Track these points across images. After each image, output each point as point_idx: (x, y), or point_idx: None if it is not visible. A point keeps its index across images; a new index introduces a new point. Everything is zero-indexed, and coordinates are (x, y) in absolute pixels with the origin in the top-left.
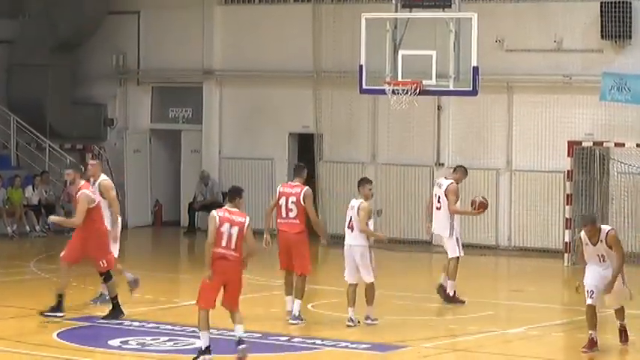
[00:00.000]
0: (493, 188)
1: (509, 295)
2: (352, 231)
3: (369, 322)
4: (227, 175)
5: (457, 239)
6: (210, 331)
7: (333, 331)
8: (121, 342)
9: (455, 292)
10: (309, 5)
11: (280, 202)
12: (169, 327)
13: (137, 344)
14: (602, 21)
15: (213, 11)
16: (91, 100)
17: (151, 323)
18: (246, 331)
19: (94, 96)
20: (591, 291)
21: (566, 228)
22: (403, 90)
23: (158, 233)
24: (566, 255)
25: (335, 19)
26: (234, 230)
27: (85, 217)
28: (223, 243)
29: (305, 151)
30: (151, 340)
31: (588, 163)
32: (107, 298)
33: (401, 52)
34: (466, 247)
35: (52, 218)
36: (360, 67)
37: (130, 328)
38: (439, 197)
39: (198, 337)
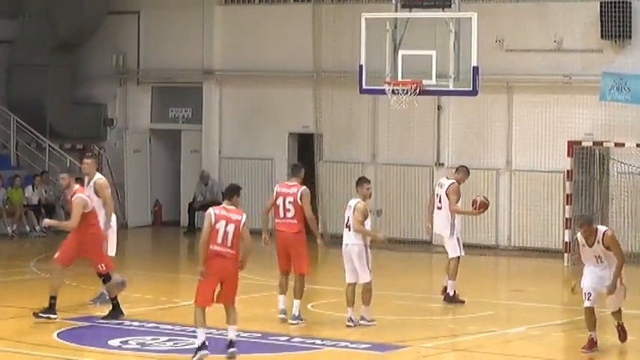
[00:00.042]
0: (493, 188)
1: (509, 295)
2: (350, 230)
3: (363, 322)
4: (227, 175)
5: (458, 239)
6: (211, 330)
7: (333, 331)
8: (120, 342)
9: (455, 291)
10: (309, 5)
11: (278, 202)
12: (169, 327)
13: (137, 344)
14: (602, 21)
15: (213, 11)
16: (91, 100)
17: (150, 323)
18: (246, 331)
19: (94, 96)
20: (589, 293)
21: (566, 228)
22: (403, 90)
23: (158, 233)
24: (566, 255)
25: (335, 19)
26: (231, 228)
27: (81, 221)
28: (219, 240)
29: (305, 151)
30: (151, 339)
31: (588, 163)
32: (107, 298)
33: (401, 52)
34: (466, 246)
35: (47, 222)
36: (360, 67)
37: (130, 327)
38: (440, 197)
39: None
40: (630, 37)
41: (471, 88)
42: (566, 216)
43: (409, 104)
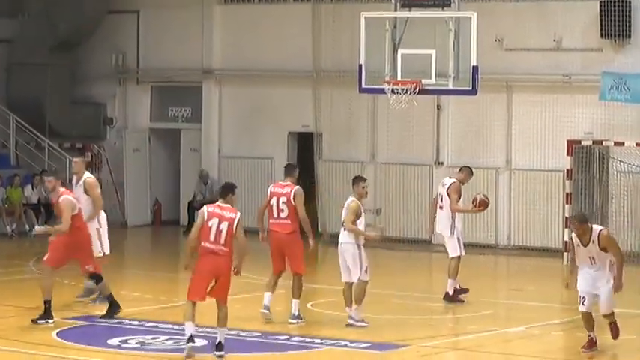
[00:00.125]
0: (492, 187)
1: (508, 294)
2: (344, 229)
3: (351, 321)
4: (227, 174)
5: (458, 239)
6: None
7: (333, 330)
8: (120, 341)
9: (455, 288)
10: (308, 5)
11: (271, 203)
12: (169, 326)
13: (137, 343)
14: (601, 20)
15: (213, 10)
16: (91, 99)
17: (150, 322)
18: (245, 330)
19: (93, 95)
20: (583, 297)
21: (566, 227)
22: (402, 89)
23: (157, 232)
24: (565, 254)
25: (334, 19)
26: (224, 226)
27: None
28: (211, 237)
29: (304, 151)
30: (151, 339)
31: (588, 162)
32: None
33: (400, 52)
34: (466, 246)
35: (38, 230)
36: (360, 66)
37: (130, 327)
38: (442, 197)
39: (198, 336)
40: (630, 36)
41: (471, 88)
42: (566, 215)
43: (409, 103)
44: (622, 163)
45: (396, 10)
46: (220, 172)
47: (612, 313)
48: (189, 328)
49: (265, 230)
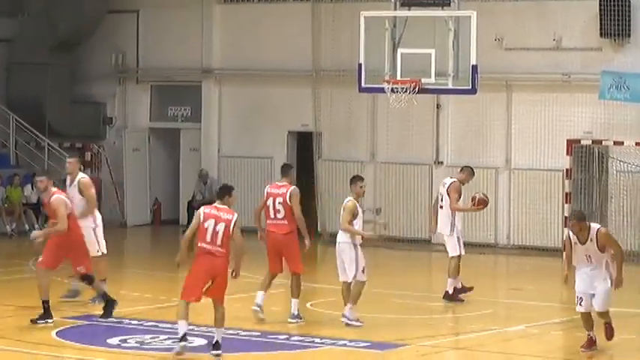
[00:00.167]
0: (492, 187)
1: (508, 294)
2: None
3: (344, 320)
4: (226, 174)
5: (458, 238)
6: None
7: (332, 330)
8: (120, 340)
9: (455, 289)
10: (308, 4)
11: (268, 203)
12: (168, 325)
13: (136, 343)
14: (601, 19)
15: (213, 10)
16: (91, 98)
17: (150, 322)
18: (245, 330)
19: (93, 95)
20: (580, 298)
21: (565, 226)
22: (402, 88)
23: (157, 232)
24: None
25: (334, 18)
26: (221, 227)
27: None
28: (208, 238)
29: (304, 150)
30: (150, 338)
31: (587, 161)
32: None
33: (400, 51)
34: (465, 245)
35: (36, 234)
36: (359, 65)
37: (129, 326)
38: (442, 196)
39: (197, 336)
40: (629, 35)
41: (470, 87)
42: (565, 214)
43: (408, 103)
44: (621, 163)
45: (395, 10)
46: (220, 171)
47: (608, 313)
48: (183, 327)
49: (263, 229)
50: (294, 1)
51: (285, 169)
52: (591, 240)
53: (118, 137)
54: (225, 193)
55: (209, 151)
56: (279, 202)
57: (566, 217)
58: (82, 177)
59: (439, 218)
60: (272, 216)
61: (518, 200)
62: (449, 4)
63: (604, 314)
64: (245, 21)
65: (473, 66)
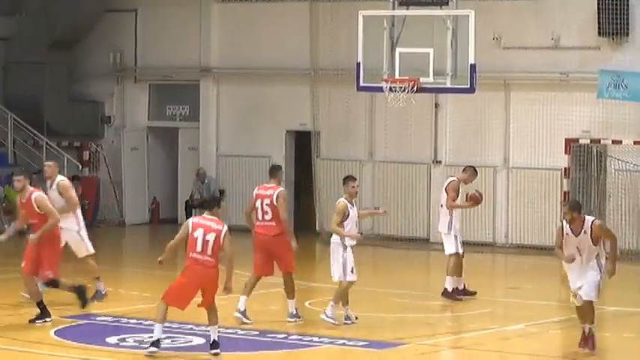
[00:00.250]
0: (490, 186)
1: (506, 293)
2: None
3: (323, 315)
4: (224, 173)
5: (455, 236)
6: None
7: (331, 329)
8: (118, 339)
9: (455, 289)
10: (306, 3)
11: (257, 205)
12: (167, 324)
13: (134, 342)
14: (599, 18)
15: (211, 9)
16: (89, 97)
17: (148, 321)
18: (243, 329)
19: (91, 93)
20: (574, 294)
21: None
22: (400, 87)
23: (155, 231)
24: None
25: (332, 17)
26: (211, 237)
27: (38, 224)
28: (198, 248)
29: (302, 149)
30: (149, 337)
31: (585, 160)
32: (103, 292)
33: (398, 50)
34: (464, 244)
35: (32, 237)
36: (358, 64)
37: (128, 325)
38: (442, 195)
39: (196, 335)
40: (627, 34)
41: (469, 86)
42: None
43: (406, 102)
44: (620, 162)
45: (393, 9)
46: (218, 170)
47: (592, 311)
48: (158, 331)
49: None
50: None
51: (273, 171)
52: (585, 232)
53: (116, 136)
54: (214, 204)
55: (207, 150)
56: (266, 204)
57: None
58: (61, 179)
59: (440, 217)
60: (260, 217)
61: (516, 199)
62: (447, 4)
63: (588, 312)
64: (243, 20)
65: (471, 65)
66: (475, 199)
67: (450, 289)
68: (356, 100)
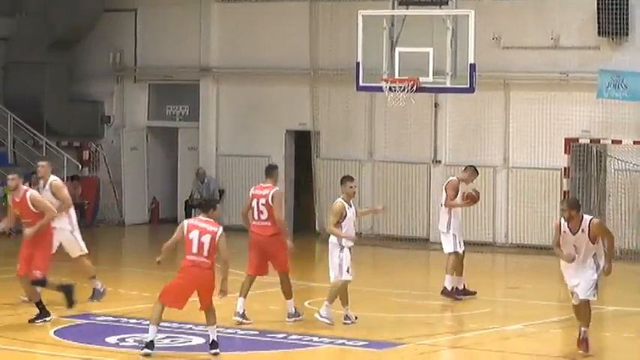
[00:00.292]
0: (490, 185)
1: (506, 292)
2: None
3: (317, 315)
4: (224, 173)
5: (454, 235)
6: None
7: (330, 329)
8: (118, 339)
9: (454, 288)
10: (305, 3)
11: (252, 205)
12: (167, 324)
13: (134, 341)
14: (598, 18)
15: (210, 8)
16: (88, 97)
17: (148, 320)
18: (243, 329)
19: (91, 93)
20: (572, 292)
21: None
22: (400, 87)
23: (155, 231)
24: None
25: (332, 17)
26: (206, 238)
27: (32, 222)
28: (194, 250)
29: (302, 149)
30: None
31: (585, 160)
32: (101, 290)
33: (398, 50)
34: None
35: (29, 232)
36: (357, 64)
37: (128, 325)
38: (442, 194)
39: (195, 334)
40: (627, 34)
41: (468, 86)
42: None
43: (406, 101)
44: (620, 161)
45: (393, 8)
46: (218, 170)
47: (589, 312)
48: (153, 333)
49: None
50: None
51: (269, 171)
52: (582, 231)
53: (115, 136)
54: (209, 206)
55: (207, 150)
56: (262, 204)
57: None
58: (54, 179)
59: (440, 216)
60: (256, 217)
61: (516, 199)
62: (447, 3)
63: (584, 312)
64: (243, 19)
65: (471, 65)
66: (472, 198)
67: (449, 288)
68: (355, 99)
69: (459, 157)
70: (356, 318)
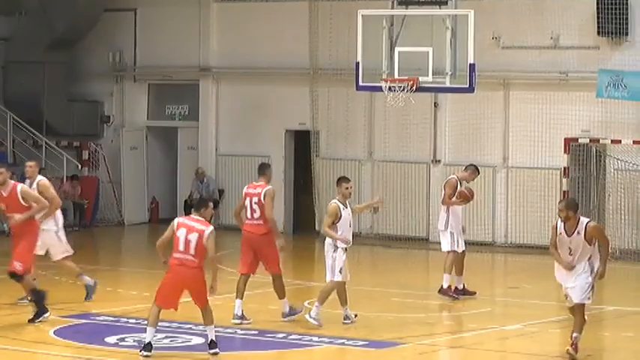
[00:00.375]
0: (490, 185)
1: (506, 292)
2: None
3: (307, 316)
4: (224, 172)
5: (452, 233)
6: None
7: (330, 329)
8: (117, 339)
9: (450, 286)
10: (305, 3)
11: (246, 204)
12: (166, 324)
13: (134, 341)
14: (598, 17)
15: (210, 8)
16: (88, 97)
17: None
18: (242, 329)
19: (90, 93)
20: (566, 295)
21: None
22: (400, 87)
23: (154, 230)
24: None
25: (331, 16)
26: (193, 237)
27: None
28: (181, 247)
29: (301, 148)
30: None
31: (585, 159)
32: (92, 284)
33: (397, 49)
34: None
35: (18, 217)
36: (357, 64)
37: (127, 325)
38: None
39: (195, 334)
40: (627, 33)
41: (468, 85)
42: None
43: (406, 101)
44: (619, 161)
45: (392, 8)
46: (217, 169)
47: (583, 317)
48: (150, 334)
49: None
50: None
51: (262, 169)
52: (578, 233)
53: (115, 136)
54: (201, 206)
55: (207, 150)
56: (255, 202)
57: None
58: (41, 179)
59: (439, 214)
60: (249, 216)
61: (515, 199)
62: (446, 3)
63: (578, 317)
64: (242, 19)
65: (470, 64)
66: (464, 196)
67: (445, 286)
68: (355, 99)
69: (458, 156)
70: (356, 316)
